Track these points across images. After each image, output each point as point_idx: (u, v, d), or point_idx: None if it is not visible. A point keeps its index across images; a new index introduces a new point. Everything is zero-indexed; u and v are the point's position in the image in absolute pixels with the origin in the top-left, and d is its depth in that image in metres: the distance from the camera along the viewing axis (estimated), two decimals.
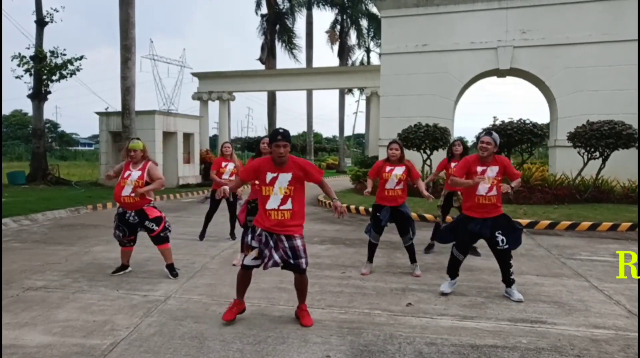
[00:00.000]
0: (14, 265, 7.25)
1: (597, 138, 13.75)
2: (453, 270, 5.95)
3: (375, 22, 39.68)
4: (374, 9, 36.55)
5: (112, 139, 22.00)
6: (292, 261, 4.64)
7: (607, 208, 13.17)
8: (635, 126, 14.07)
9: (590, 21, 17.61)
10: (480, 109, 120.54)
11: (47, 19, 22.44)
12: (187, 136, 23.52)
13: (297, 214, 4.69)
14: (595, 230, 10.76)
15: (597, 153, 14.20)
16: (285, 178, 4.61)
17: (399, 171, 6.77)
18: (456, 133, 24.02)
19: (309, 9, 38.36)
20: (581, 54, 17.76)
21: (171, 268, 6.65)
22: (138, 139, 6.80)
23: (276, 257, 4.60)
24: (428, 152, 16.34)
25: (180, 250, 8.39)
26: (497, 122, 16.09)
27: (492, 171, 5.64)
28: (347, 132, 62.63)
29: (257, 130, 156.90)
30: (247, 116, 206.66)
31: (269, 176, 4.64)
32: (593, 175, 14.90)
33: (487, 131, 5.81)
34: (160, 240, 6.57)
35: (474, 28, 18.87)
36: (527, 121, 15.49)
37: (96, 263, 7.50)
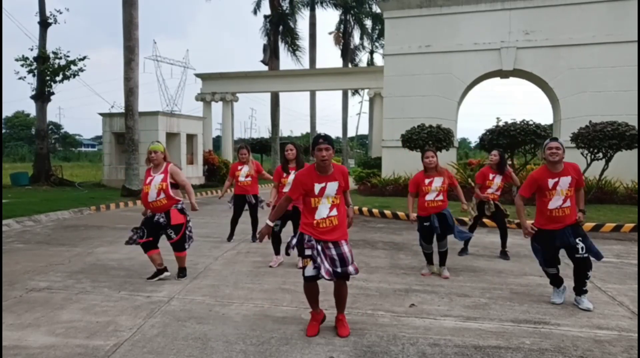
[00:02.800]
0: (18, 266, 7.27)
1: (601, 139, 13.71)
2: (555, 282, 5.79)
3: (379, 23, 39.67)
4: (378, 10, 36.57)
5: (116, 140, 22.03)
6: (338, 269, 4.50)
7: (610, 208, 13.15)
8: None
9: (594, 22, 17.58)
10: (484, 110, 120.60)
11: (50, 20, 22.49)
12: (191, 137, 23.54)
13: (343, 221, 4.62)
14: (599, 231, 10.74)
15: (601, 154, 14.16)
16: (332, 187, 4.54)
17: (440, 181, 6.75)
18: (459, 134, 24.02)
19: (312, 10, 38.33)
20: (584, 55, 17.73)
21: (181, 270, 6.69)
22: (159, 142, 6.82)
23: (327, 265, 4.48)
24: None
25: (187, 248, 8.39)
26: (501, 123, 16.07)
27: (565, 182, 5.41)
28: (351, 133, 62.59)
29: (261, 131, 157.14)
30: (251, 117, 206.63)
31: (317, 187, 4.52)
32: (596, 176, 14.87)
33: (553, 137, 5.60)
34: (176, 247, 6.53)
35: (478, 29, 18.85)
36: (531, 122, 15.46)
37: (99, 264, 7.52)
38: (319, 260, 4.44)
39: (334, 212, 4.55)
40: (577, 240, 5.39)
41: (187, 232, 6.58)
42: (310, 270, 4.48)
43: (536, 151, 16.07)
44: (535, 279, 6.65)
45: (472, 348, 4.26)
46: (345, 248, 4.54)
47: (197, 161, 24.22)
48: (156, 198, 6.33)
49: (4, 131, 73.64)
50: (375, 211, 13.67)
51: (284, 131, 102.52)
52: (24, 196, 16.52)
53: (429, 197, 6.72)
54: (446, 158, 17.28)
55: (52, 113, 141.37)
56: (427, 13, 19.46)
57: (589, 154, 14.39)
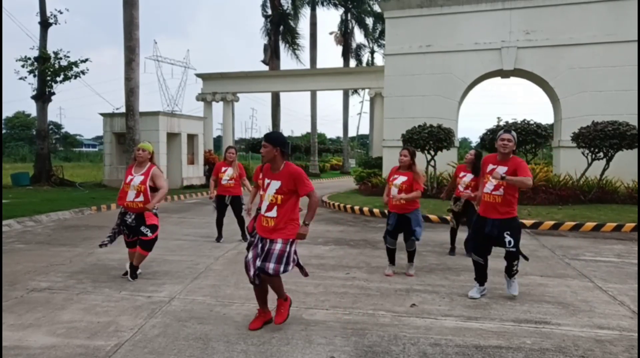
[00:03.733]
0: (19, 266, 7.27)
1: (601, 139, 13.72)
2: (480, 276, 5.91)
3: (380, 23, 39.68)
4: (378, 9, 36.57)
5: (117, 140, 22.03)
6: (258, 263, 4.51)
7: (611, 208, 13.15)
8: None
9: (594, 22, 17.58)
10: (484, 109, 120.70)
11: (51, 21, 22.49)
12: (191, 137, 23.54)
13: (281, 222, 4.56)
14: (600, 231, 10.74)
15: (601, 154, 14.17)
16: (274, 186, 4.59)
17: (401, 180, 6.73)
18: (460, 134, 24.00)
19: (313, 10, 38.38)
20: (585, 55, 17.73)
21: (133, 269, 6.57)
22: (150, 142, 6.81)
23: (250, 258, 4.59)
24: (432, 153, 16.32)
25: (184, 251, 8.41)
26: (501, 123, 16.10)
27: (501, 170, 5.54)
28: (351, 133, 62.63)
29: (261, 131, 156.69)
30: (251, 117, 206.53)
31: (265, 182, 4.69)
32: (597, 176, 14.87)
33: (507, 129, 5.75)
34: (145, 245, 6.44)
35: (478, 29, 18.85)
36: (531, 122, 15.49)
37: (100, 264, 7.52)
38: (249, 255, 4.62)
39: (272, 213, 4.58)
40: (505, 234, 5.56)
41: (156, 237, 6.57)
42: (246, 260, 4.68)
43: (537, 150, 16.08)
44: (536, 279, 6.65)
45: (473, 348, 4.26)
46: (277, 246, 4.51)
47: (198, 161, 24.22)
48: (133, 199, 6.32)
49: (4, 131, 73.71)
50: (376, 211, 13.67)
51: (285, 130, 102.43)
52: (24, 197, 16.52)
53: (392, 193, 6.74)
54: (447, 158, 17.29)
55: (53, 113, 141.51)
56: (428, 13, 19.46)
57: (590, 154, 14.39)
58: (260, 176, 4.82)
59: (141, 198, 6.31)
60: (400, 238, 6.93)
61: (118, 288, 6.13)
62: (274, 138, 4.60)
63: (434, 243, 9.38)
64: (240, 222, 9.55)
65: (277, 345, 4.31)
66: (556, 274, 6.91)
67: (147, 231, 6.38)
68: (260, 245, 4.61)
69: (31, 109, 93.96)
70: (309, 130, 44.87)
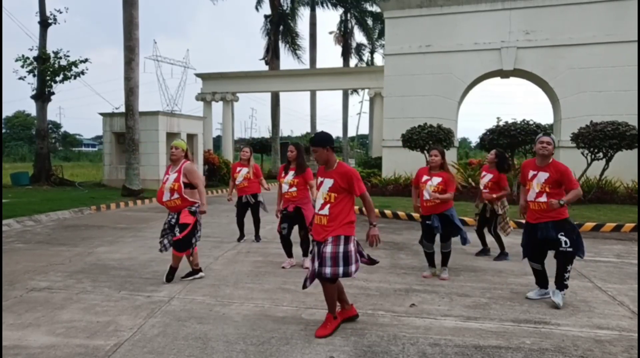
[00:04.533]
0: (18, 266, 7.27)
1: (601, 139, 13.72)
2: (541, 281, 5.82)
3: (379, 22, 39.66)
4: (378, 9, 36.56)
5: (116, 140, 22.01)
6: (316, 267, 4.49)
7: (610, 208, 13.15)
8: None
9: (594, 22, 17.59)
10: (484, 109, 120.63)
11: (50, 20, 22.47)
12: (191, 137, 23.52)
13: (334, 221, 4.53)
14: (599, 231, 10.73)
15: (601, 154, 14.17)
16: (327, 183, 4.58)
17: (437, 181, 6.60)
18: (460, 134, 24.01)
19: (313, 10, 38.37)
20: (585, 55, 17.74)
21: (171, 270, 6.46)
22: (183, 140, 6.75)
23: (313, 267, 4.55)
24: None
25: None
26: (501, 123, 16.09)
27: (542, 176, 5.46)
28: (351, 133, 62.59)
29: (261, 131, 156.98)
30: (251, 117, 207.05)
31: (318, 180, 4.71)
32: (597, 176, 14.88)
33: (545, 132, 5.62)
34: (176, 245, 6.30)
35: (478, 29, 18.87)
36: (531, 122, 15.49)
37: (100, 263, 7.52)
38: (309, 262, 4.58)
39: (325, 211, 4.56)
40: (559, 234, 5.42)
41: (195, 233, 6.38)
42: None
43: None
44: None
45: (473, 348, 4.26)
46: (328, 248, 4.46)
47: (198, 160, 24.19)
48: (170, 198, 6.24)
49: (4, 130, 73.66)
50: (375, 211, 13.64)
51: (284, 130, 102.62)
52: (24, 196, 16.52)
53: (424, 196, 6.65)
54: (447, 158, 17.24)
55: (53, 113, 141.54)
56: (427, 13, 19.48)
57: (589, 154, 14.39)
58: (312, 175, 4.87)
59: (176, 196, 6.21)
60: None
61: (117, 288, 6.13)
62: (321, 139, 4.58)
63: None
64: (256, 221, 9.47)
65: (277, 345, 4.31)
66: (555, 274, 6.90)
67: (176, 230, 6.29)
68: (316, 249, 4.61)
69: (31, 108, 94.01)
70: (309, 130, 44.88)
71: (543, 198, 5.45)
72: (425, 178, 6.70)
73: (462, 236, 6.64)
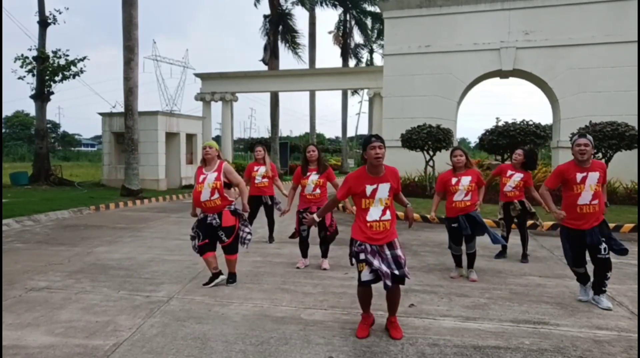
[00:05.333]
0: (17, 266, 7.27)
1: (600, 139, 13.72)
2: (583, 279, 5.70)
3: (379, 22, 39.68)
4: (377, 9, 36.57)
5: (115, 139, 22.01)
6: (396, 272, 4.43)
7: (610, 209, 13.14)
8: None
9: (594, 22, 17.60)
10: (483, 110, 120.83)
11: (50, 20, 22.45)
12: (190, 137, 23.53)
13: (394, 222, 4.59)
14: None
15: (600, 154, 14.17)
16: (384, 188, 4.50)
17: (467, 180, 6.57)
18: (459, 134, 24.01)
19: (312, 9, 38.38)
20: (584, 55, 17.75)
21: (231, 276, 6.37)
22: (214, 140, 6.70)
23: (384, 268, 4.41)
24: (431, 153, 16.33)
25: (183, 250, 8.39)
26: (500, 124, 16.10)
27: (593, 177, 5.34)
28: (350, 133, 62.57)
29: (260, 131, 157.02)
30: (250, 117, 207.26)
31: (369, 188, 4.48)
32: None
33: (581, 134, 5.45)
34: (228, 249, 6.27)
35: (477, 29, 18.87)
36: (530, 122, 15.50)
37: (99, 263, 7.51)
38: (376, 263, 4.39)
39: (387, 216, 4.52)
40: (601, 239, 5.30)
41: (241, 233, 6.31)
42: (366, 275, 4.45)
43: (536, 151, 16.08)
44: (535, 279, 6.65)
45: (472, 349, 4.26)
46: (399, 251, 4.50)
47: (197, 160, 24.15)
48: (209, 198, 6.07)
49: (3, 130, 73.62)
50: None
51: (284, 130, 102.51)
52: (23, 196, 16.51)
53: (456, 197, 6.58)
54: (446, 158, 17.20)
55: (52, 113, 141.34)
56: (427, 13, 19.48)
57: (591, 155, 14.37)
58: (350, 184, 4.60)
59: (217, 195, 6.09)
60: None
61: (116, 288, 6.12)
62: (383, 139, 4.53)
63: (433, 243, 9.40)
64: (271, 223, 9.38)
65: (276, 345, 4.31)
66: (555, 274, 6.91)
67: (222, 235, 6.16)
68: (375, 250, 4.48)
69: (30, 108, 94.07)
70: (308, 130, 44.88)
71: (596, 200, 5.32)
72: (454, 180, 6.62)
73: (491, 234, 6.55)
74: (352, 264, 4.71)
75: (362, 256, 4.43)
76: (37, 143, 23.18)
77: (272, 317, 5.07)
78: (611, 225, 10.66)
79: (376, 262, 4.39)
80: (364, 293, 4.60)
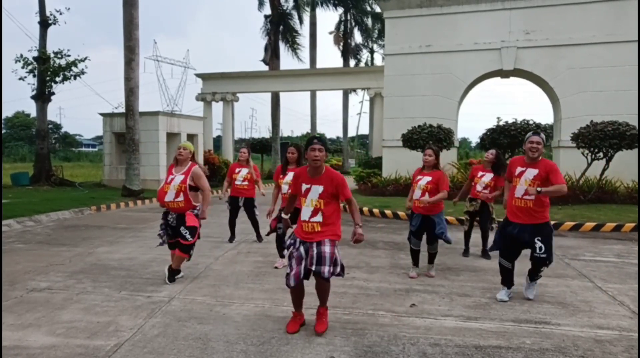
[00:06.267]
0: (18, 266, 7.27)
1: (601, 139, 13.70)
2: (506, 280, 5.81)
3: (379, 23, 39.67)
4: (377, 9, 36.56)
5: (116, 140, 22.02)
6: (314, 268, 4.46)
7: (610, 208, 13.14)
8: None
9: (594, 22, 17.57)
10: (484, 109, 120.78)
11: (50, 21, 22.46)
12: (191, 137, 23.52)
13: (327, 225, 4.57)
14: (599, 231, 10.73)
15: (601, 154, 14.15)
16: (316, 190, 4.53)
17: (426, 180, 6.65)
18: (460, 134, 24.00)
19: (313, 10, 38.37)
20: (585, 55, 17.72)
21: (172, 272, 6.44)
22: (189, 142, 6.77)
23: (300, 270, 4.49)
24: None
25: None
26: (501, 123, 16.09)
27: (530, 173, 5.46)
28: (351, 133, 62.50)
29: (261, 131, 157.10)
30: (251, 117, 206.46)
31: (304, 187, 4.60)
32: (597, 176, 14.86)
33: (535, 131, 5.57)
34: (184, 248, 6.34)
35: (478, 29, 18.85)
36: (531, 122, 15.49)
37: (100, 264, 7.52)
38: (293, 262, 4.51)
39: (317, 218, 4.54)
40: (536, 239, 5.45)
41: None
42: (292, 281, 4.52)
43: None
44: None
45: (473, 348, 4.26)
46: (327, 248, 4.49)
47: (198, 161, 24.05)
48: (173, 199, 6.19)
49: (4, 131, 73.68)
50: (375, 211, 13.66)
51: (285, 131, 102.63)
52: (24, 196, 16.52)
53: (415, 195, 6.72)
54: (447, 158, 17.29)
55: (53, 113, 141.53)
56: (427, 13, 19.45)
57: (590, 154, 14.38)
58: (291, 180, 4.76)
59: (181, 198, 6.19)
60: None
61: (118, 288, 6.13)
62: (325, 141, 4.59)
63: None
64: (254, 223, 9.43)
65: (277, 345, 4.31)
66: (556, 274, 6.91)
67: (186, 233, 6.25)
68: (302, 248, 4.55)
69: (31, 109, 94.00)
70: (309, 130, 44.90)
71: (531, 196, 5.43)
72: (418, 177, 6.79)
73: (446, 239, 6.67)
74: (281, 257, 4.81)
75: (287, 260, 4.65)
76: (37, 143, 23.18)
77: (274, 317, 5.08)
78: (612, 225, 10.73)
79: (294, 261, 4.53)
80: (292, 291, 4.72)
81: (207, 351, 4.19)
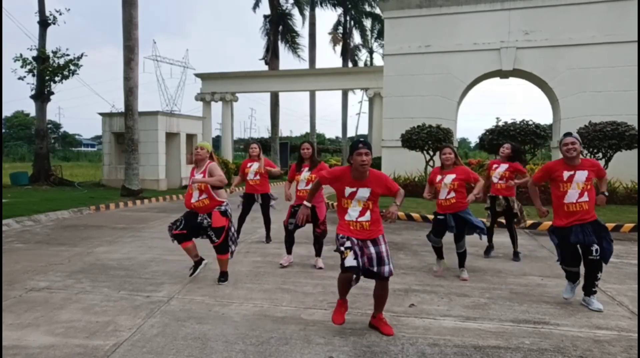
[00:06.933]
0: (17, 266, 7.26)
1: (600, 139, 13.73)
2: (572, 277, 5.62)
3: (378, 23, 39.67)
4: (377, 10, 36.58)
5: (115, 140, 22.02)
6: (375, 269, 4.47)
7: (610, 209, 13.15)
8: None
9: (594, 22, 17.60)
10: (483, 110, 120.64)
11: (50, 20, 22.45)
12: (190, 137, 23.53)
13: (375, 222, 4.61)
14: None
15: (600, 154, 14.18)
16: (364, 192, 4.52)
17: (451, 178, 6.61)
18: (459, 134, 24.00)
19: (312, 10, 38.38)
20: (584, 55, 17.75)
21: (222, 274, 6.43)
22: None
23: (365, 260, 4.46)
24: (431, 153, 16.33)
25: (183, 251, 8.38)
26: (500, 124, 16.10)
27: (581, 175, 5.33)
28: (350, 133, 62.14)
29: (260, 131, 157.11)
30: (250, 117, 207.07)
31: (348, 190, 4.55)
32: None
33: (567, 133, 5.46)
34: (219, 249, 6.31)
35: (477, 29, 18.87)
36: (530, 122, 15.51)
37: (99, 263, 7.51)
38: (356, 249, 4.44)
39: (365, 217, 4.56)
40: (593, 240, 5.24)
41: (230, 233, 6.37)
42: (350, 260, 4.38)
43: (536, 151, 16.09)
44: (535, 279, 6.65)
45: (472, 348, 4.26)
46: (383, 247, 4.54)
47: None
48: (198, 198, 6.16)
49: (3, 130, 73.63)
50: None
51: (284, 131, 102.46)
52: (23, 196, 16.50)
53: (441, 195, 6.66)
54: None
55: (52, 113, 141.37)
56: (427, 13, 19.48)
57: (589, 154, 14.40)
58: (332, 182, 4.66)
59: (205, 196, 6.17)
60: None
61: (117, 288, 6.12)
62: (369, 144, 4.56)
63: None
64: (267, 221, 9.34)
65: (276, 345, 4.31)
66: (555, 274, 6.90)
67: (212, 235, 6.22)
68: (358, 242, 4.51)
69: (30, 108, 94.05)
70: (308, 130, 44.84)
71: (585, 198, 5.30)
72: (439, 178, 6.72)
73: (481, 232, 6.62)
74: (338, 251, 4.64)
75: (347, 243, 4.47)
76: (37, 143, 23.18)
77: (273, 317, 5.07)
78: (611, 225, 10.72)
79: (359, 253, 4.46)
80: (345, 279, 4.55)
81: (206, 351, 4.19)
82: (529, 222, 11.13)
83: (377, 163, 21.99)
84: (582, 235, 5.27)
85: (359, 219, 4.56)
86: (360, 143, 4.46)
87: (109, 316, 5.07)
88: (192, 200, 6.19)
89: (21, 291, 5.97)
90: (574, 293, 5.61)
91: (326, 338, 4.46)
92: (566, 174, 5.36)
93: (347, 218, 4.58)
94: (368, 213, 4.57)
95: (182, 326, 4.78)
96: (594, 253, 5.24)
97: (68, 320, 4.93)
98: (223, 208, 6.27)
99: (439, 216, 6.75)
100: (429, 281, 6.57)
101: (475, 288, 6.22)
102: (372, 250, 4.50)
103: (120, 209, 15.27)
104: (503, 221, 8.14)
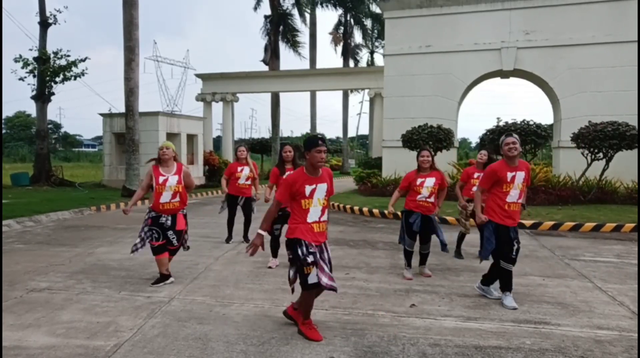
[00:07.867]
0: (18, 266, 7.27)
1: (601, 139, 13.71)
2: (508, 283, 5.64)
3: (379, 23, 39.66)
4: (377, 10, 36.57)
5: (116, 140, 22.03)
6: (332, 273, 4.51)
7: (610, 209, 13.15)
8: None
9: (594, 22, 17.58)
10: (484, 110, 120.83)
11: (50, 21, 22.47)
12: (191, 137, 23.53)
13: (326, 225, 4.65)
14: (599, 231, 10.73)
15: (601, 154, 14.16)
16: (322, 188, 4.51)
17: (432, 181, 6.72)
18: (460, 134, 24.02)
19: (313, 9, 38.38)
20: (585, 55, 17.73)
21: (164, 277, 6.41)
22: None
23: (328, 270, 4.44)
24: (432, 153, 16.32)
25: (183, 251, 8.38)
26: (501, 124, 16.09)
27: (520, 176, 5.53)
28: (351, 133, 62.43)
29: (261, 131, 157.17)
30: (251, 117, 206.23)
31: (308, 189, 4.44)
32: (597, 176, 14.87)
33: (508, 133, 5.68)
34: (174, 252, 6.48)
35: (478, 29, 18.86)
36: (531, 122, 15.49)
37: (100, 264, 7.52)
38: (326, 268, 4.43)
39: (325, 216, 4.57)
40: (514, 242, 5.54)
41: (186, 237, 6.60)
42: (313, 277, 4.31)
43: (537, 151, 16.08)
44: (536, 279, 6.65)
45: (473, 349, 4.26)
46: (330, 253, 4.63)
47: (198, 161, 24.19)
48: (170, 200, 6.19)
49: (4, 131, 73.68)
50: (375, 211, 13.65)
51: (285, 131, 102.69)
52: (24, 197, 16.52)
53: (420, 197, 6.73)
54: (447, 158, 17.29)
55: (53, 113, 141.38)
56: (427, 13, 19.46)
57: (590, 154, 14.39)
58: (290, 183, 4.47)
59: (178, 199, 6.22)
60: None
61: (117, 289, 6.13)
62: (326, 140, 4.59)
63: (433, 243, 9.35)
64: (247, 222, 9.40)
65: (277, 345, 4.31)
66: (556, 274, 6.91)
67: (173, 238, 6.29)
68: (318, 252, 4.44)
69: (31, 109, 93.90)
70: (309, 130, 44.88)
71: (522, 199, 5.60)
72: (419, 181, 6.78)
73: (442, 241, 6.75)
74: (296, 265, 4.46)
75: (310, 259, 4.32)
76: (37, 143, 23.21)
77: (274, 317, 5.07)
78: (612, 225, 10.73)
79: (326, 267, 4.43)
80: (311, 296, 4.49)
81: (207, 351, 4.19)
82: (530, 222, 11.14)
83: (378, 163, 22.00)
84: (516, 233, 5.60)
85: (321, 219, 4.53)
86: (320, 140, 4.45)
87: (109, 316, 5.07)
88: (162, 200, 6.18)
89: (22, 291, 5.98)
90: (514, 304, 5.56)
91: (327, 339, 4.46)
92: (509, 175, 5.54)
93: (309, 219, 4.45)
94: (326, 212, 4.58)
95: (183, 326, 4.78)
96: (514, 254, 5.56)
97: (69, 321, 4.93)
98: (185, 211, 6.45)
99: (410, 219, 6.80)
100: (429, 281, 6.57)
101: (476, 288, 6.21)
102: (327, 256, 4.54)
103: (121, 210, 15.26)
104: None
